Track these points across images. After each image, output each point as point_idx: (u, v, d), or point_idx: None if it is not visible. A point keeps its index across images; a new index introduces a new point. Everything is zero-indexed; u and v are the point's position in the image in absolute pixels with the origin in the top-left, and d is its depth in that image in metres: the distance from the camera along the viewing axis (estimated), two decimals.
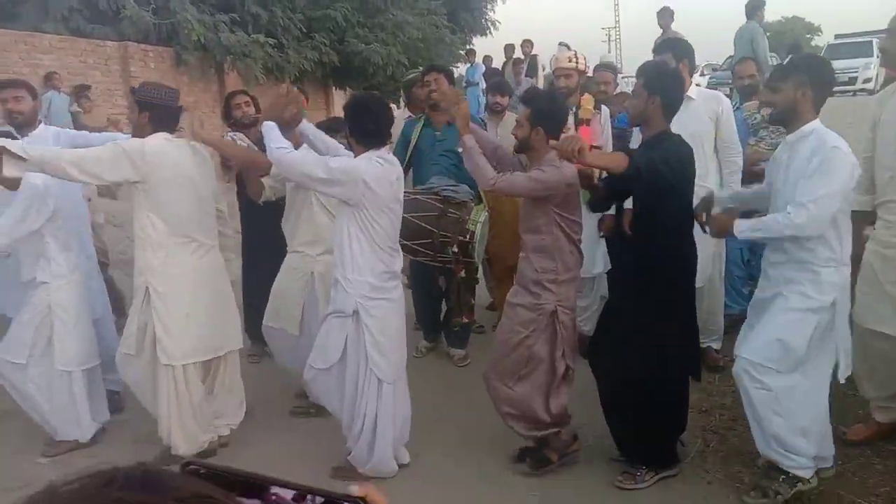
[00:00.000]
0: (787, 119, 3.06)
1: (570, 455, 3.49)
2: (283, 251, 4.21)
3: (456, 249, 4.08)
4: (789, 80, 3.01)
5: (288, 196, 4.02)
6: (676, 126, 3.94)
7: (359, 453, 3.39)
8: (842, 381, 3.11)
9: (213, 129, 14.56)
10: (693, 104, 4.21)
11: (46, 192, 3.68)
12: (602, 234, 4.61)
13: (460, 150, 3.42)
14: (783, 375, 2.99)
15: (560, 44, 10.73)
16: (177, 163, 3.52)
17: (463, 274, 4.40)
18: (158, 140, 3.49)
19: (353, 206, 3.17)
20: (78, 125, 10.62)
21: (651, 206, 3.13)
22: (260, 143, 4.92)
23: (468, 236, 4.10)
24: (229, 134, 4.97)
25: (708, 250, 3.88)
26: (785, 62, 3.21)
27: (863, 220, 3.46)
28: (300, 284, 3.97)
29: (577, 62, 4.67)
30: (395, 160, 3.41)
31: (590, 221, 4.67)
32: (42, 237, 3.70)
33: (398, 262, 3.39)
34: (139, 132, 3.56)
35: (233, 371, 3.91)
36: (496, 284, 5.62)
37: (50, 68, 10.60)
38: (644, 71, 3.36)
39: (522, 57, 13.03)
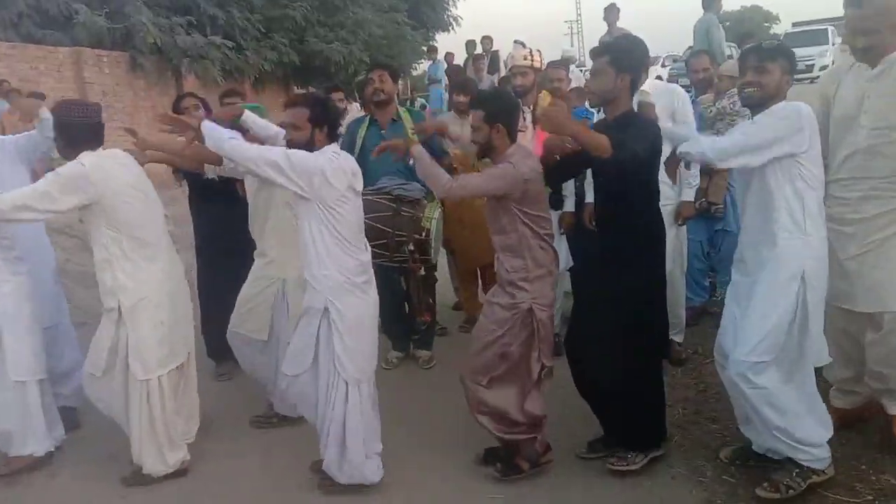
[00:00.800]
0: (765, 103, 3.01)
1: (542, 465, 3.43)
2: (240, 255, 4.14)
3: (412, 248, 4.05)
4: (777, 63, 2.98)
5: (251, 201, 3.94)
6: None
7: (330, 461, 3.32)
8: (821, 364, 3.15)
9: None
10: (648, 98, 4.21)
11: None
12: (563, 231, 4.64)
13: (411, 162, 3.40)
14: (777, 370, 2.97)
15: (515, 41, 10.72)
16: (118, 174, 3.47)
17: (422, 272, 4.36)
18: (93, 157, 3.43)
19: (311, 202, 3.12)
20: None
21: (623, 187, 3.16)
22: None
23: (424, 234, 4.08)
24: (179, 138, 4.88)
25: (668, 244, 3.88)
26: (764, 45, 3.12)
27: None
28: (271, 290, 3.90)
29: (532, 60, 4.65)
30: (348, 154, 3.39)
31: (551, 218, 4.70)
32: None
33: (366, 254, 3.34)
34: (66, 154, 3.47)
35: (191, 375, 3.81)
36: (461, 285, 5.61)
37: (0, 77, 10.33)
38: (610, 48, 3.32)
39: (483, 53, 13.00)
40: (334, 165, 3.17)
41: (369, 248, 3.39)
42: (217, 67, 14.22)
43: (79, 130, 3.47)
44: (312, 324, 3.24)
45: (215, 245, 4.62)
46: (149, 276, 3.50)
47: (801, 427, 3.01)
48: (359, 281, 3.25)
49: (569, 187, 4.62)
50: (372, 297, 3.34)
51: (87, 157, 3.40)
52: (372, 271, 3.38)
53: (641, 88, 3.49)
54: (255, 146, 3.24)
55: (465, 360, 3.40)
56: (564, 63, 6.78)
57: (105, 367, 3.52)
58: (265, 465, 3.73)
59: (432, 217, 4.11)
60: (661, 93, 4.29)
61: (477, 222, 4.96)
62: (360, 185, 3.33)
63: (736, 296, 3.20)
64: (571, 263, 4.82)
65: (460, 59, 13.91)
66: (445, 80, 12.79)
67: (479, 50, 13.31)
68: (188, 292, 3.80)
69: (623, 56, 3.22)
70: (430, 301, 4.70)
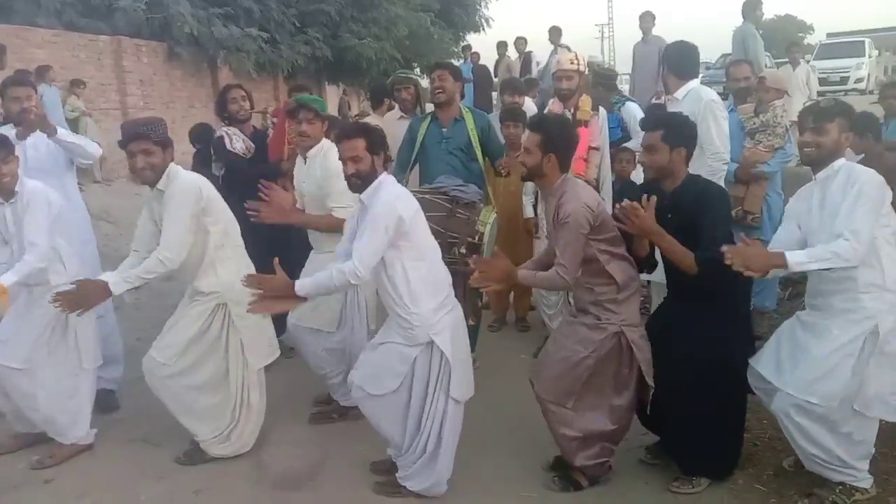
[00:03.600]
0: (824, 161, 3.04)
1: (602, 481, 3.40)
2: (276, 244, 4.15)
3: (464, 250, 4.04)
4: (835, 123, 3.01)
5: (314, 196, 3.99)
6: None
7: (416, 472, 3.30)
8: (886, 417, 3.05)
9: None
10: (677, 105, 4.26)
11: (51, 195, 3.69)
12: None
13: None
14: (822, 418, 2.96)
15: (561, 46, 10.79)
16: (203, 181, 3.65)
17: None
18: (183, 170, 3.63)
19: (394, 248, 3.10)
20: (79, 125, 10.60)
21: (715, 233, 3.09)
22: (253, 138, 4.94)
23: (477, 237, 4.06)
24: (223, 129, 4.94)
25: None
26: (822, 104, 3.20)
27: None
28: None
29: (578, 64, 4.68)
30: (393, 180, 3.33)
31: None
32: (52, 239, 3.67)
33: (447, 269, 3.34)
34: (159, 174, 3.54)
35: (257, 377, 3.89)
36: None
37: (43, 62, 10.52)
38: (660, 123, 3.27)
39: (518, 54, 13.02)
40: (400, 193, 3.15)
41: (448, 272, 3.35)
42: (251, 60, 14.37)
43: (170, 145, 3.60)
44: (407, 353, 3.18)
45: (251, 234, 4.68)
46: (247, 270, 3.60)
47: (844, 461, 3.01)
48: (447, 296, 3.24)
49: (606, 190, 4.67)
50: (457, 311, 3.29)
51: (178, 170, 3.58)
52: (450, 281, 3.34)
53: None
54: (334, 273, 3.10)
55: (543, 384, 3.32)
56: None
57: (176, 357, 3.61)
58: (319, 455, 3.80)
59: (487, 222, 4.09)
60: (690, 100, 4.27)
61: (509, 221, 5.04)
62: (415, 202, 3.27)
63: (800, 331, 3.17)
64: None
65: (487, 59, 13.92)
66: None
67: (510, 51, 13.33)
68: None
69: (676, 132, 3.18)
70: (478, 304, 4.69)
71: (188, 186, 3.51)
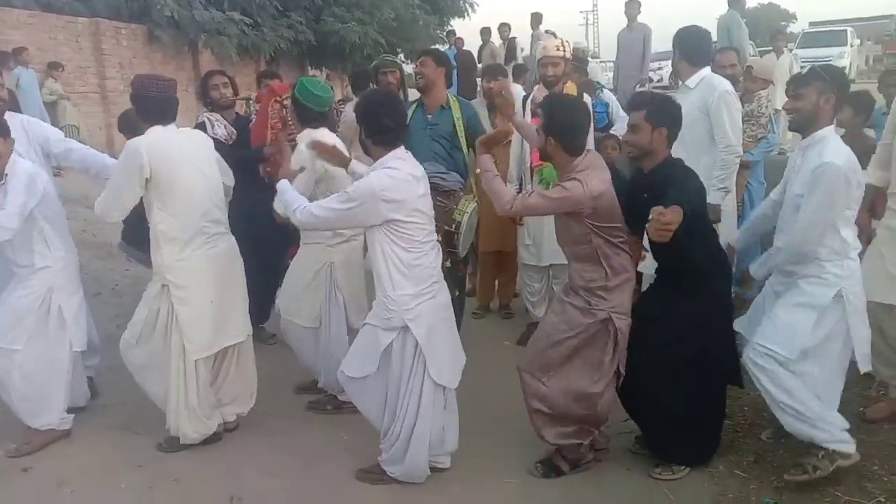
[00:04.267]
0: (806, 125, 3.17)
1: (583, 467, 3.41)
2: (266, 230, 4.18)
3: (440, 238, 4.04)
4: (812, 87, 3.12)
5: (301, 191, 3.94)
6: None
7: (392, 456, 3.31)
8: (862, 371, 3.23)
9: (187, 108, 14.34)
10: (689, 94, 4.16)
11: (37, 175, 3.62)
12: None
13: (478, 171, 3.31)
14: (788, 365, 3.10)
15: (546, 31, 10.77)
16: (179, 154, 3.49)
17: (448, 264, 4.37)
18: (155, 134, 3.47)
19: (381, 225, 3.07)
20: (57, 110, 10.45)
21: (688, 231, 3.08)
22: (236, 124, 4.88)
23: (454, 226, 4.05)
24: (205, 115, 4.89)
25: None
26: (801, 72, 3.36)
27: (881, 196, 3.65)
28: (320, 277, 3.90)
29: (564, 50, 4.65)
30: (411, 157, 3.24)
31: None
32: (36, 221, 3.64)
33: (438, 257, 3.28)
34: (139, 129, 3.50)
35: (245, 359, 3.89)
36: (481, 271, 5.63)
37: (19, 44, 10.34)
38: (644, 102, 3.25)
39: (502, 40, 12.97)
40: (392, 183, 3.03)
41: (440, 251, 3.33)
42: (233, 44, 14.20)
43: (152, 105, 3.50)
44: (384, 336, 3.17)
45: (235, 220, 4.63)
46: (196, 261, 3.55)
47: (810, 407, 3.10)
48: (431, 286, 3.19)
49: None
50: (443, 297, 3.27)
51: (150, 132, 3.46)
52: (441, 276, 3.30)
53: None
54: (315, 205, 3.19)
55: (528, 355, 3.36)
56: (578, 58, 6.82)
57: (139, 335, 3.60)
58: (303, 443, 3.79)
59: (465, 211, 4.07)
60: (702, 88, 4.15)
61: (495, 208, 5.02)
62: (426, 188, 3.23)
63: (772, 292, 3.37)
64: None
65: (473, 44, 13.84)
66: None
67: (493, 37, 13.26)
68: (242, 280, 3.82)
69: (658, 110, 3.19)
70: (456, 293, 4.68)
71: (140, 146, 3.41)
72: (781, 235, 3.30)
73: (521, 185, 4.81)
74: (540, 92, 4.79)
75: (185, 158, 3.51)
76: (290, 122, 4.69)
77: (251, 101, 5.88)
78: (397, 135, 3.17)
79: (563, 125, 3.12)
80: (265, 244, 4.54)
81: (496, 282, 5.64)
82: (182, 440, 3.67)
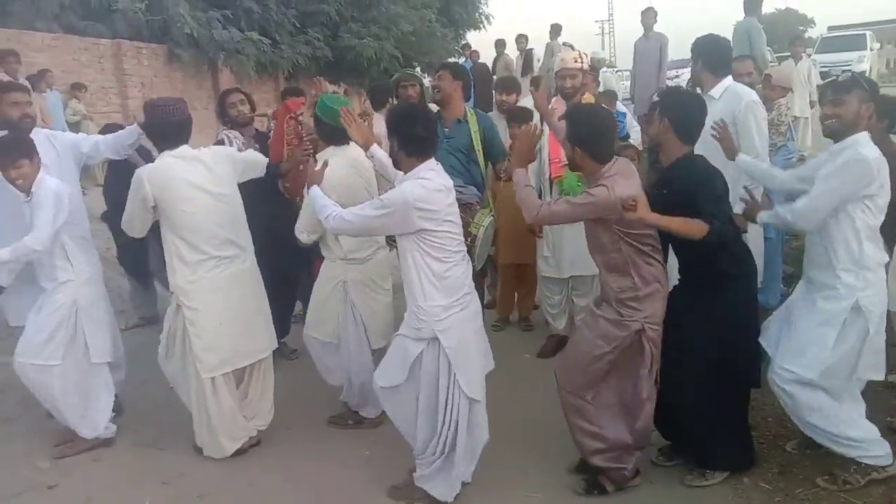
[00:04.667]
0: (843, 132, 3.14)
1: (627, 488, 3.33)
2: (279, 243, 4.22)
3: None
4: (854, 94, 3.10)
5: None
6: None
7: (431, 472, 3.27)
8: (873, 378, 3.23)
9: (207, 126, 14.52)
10: (714, 104, 4.03)
11: (63, 191, 3.71)
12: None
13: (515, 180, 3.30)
14: (813, 384, 3.09)
15: (564, 44, 10.81)
16: (184, 179, 3.54)
17: None
18: (163, 160, 3.56)
19: (413, 234, 3.07)
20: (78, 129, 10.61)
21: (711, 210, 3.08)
22: (256, 140, 4.93)
23: (469, 239, 4.05)
24: (224, 132, 4.93)
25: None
26: (839, 79, 3.31)
27: None
28: (337, 294, 3.90)
29: (582, 62, 4.65)
30: (441, 168, 3.23)
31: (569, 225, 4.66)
32: (59, 236, 3.72)
33: (469, 268, 3.28)
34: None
35: (266, 375, 3.95)
36: (501, 283, 5.63)
37: (43, 67, 10.53)
38: (660, 95, 3.34)
39: (519, 52, 13.02)
40: (424, 193, 3.03)
41: (470, 264, 3.32)
42: (252, 62, 14.37)
43: (168, 130, 3.58)
44: (414, 346, 3.15)
45: (254, 236, 4.67)
46: (207, 283, 3.61)
47: (837, 424, 3.10)
48: (461, 298, 3.17)
49: None
50: (474, 308, 3.25)
51: (159, 159, 3.57)
52: (472, 287, 3.29)
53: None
54: (348, 213, 3.20)
55: (564, 374, 3.31)
56: (593, 68, 6.81)
57: (165, 350, 3.76)
58: (325, 457, 3.81)
59: (481, 224, 4.07)
60: (728, 97, 4.09)
61: (513, 221, 5.02)
62: (454, 199, 3.21)
63: (795, 306, 3.33)
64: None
65: (488, 57, 13.91)
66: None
67: (508, 49, 13.32)
68: (261, 300, 3.86)
69: (664, 102, 3.22)
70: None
71: (144, 173, 3.53)
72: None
73: (540, 196, 4.80)
74: (558, 104, 4.79)
75: (186, 184, 3.54)
76: (305, 139, 4.74)
77: (270, 120, 5.95)
78: (429, 145, 3.17)
79: (589, 133, 3.12)
80: (283, 258, 4.57)
81: (515, 294, 5.63)
82: (206, 453, 3.77)
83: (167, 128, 3.58)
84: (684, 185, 3.09)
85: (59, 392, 3.76)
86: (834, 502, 3.10)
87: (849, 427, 3.12)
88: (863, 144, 3.07)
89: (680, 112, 3.18)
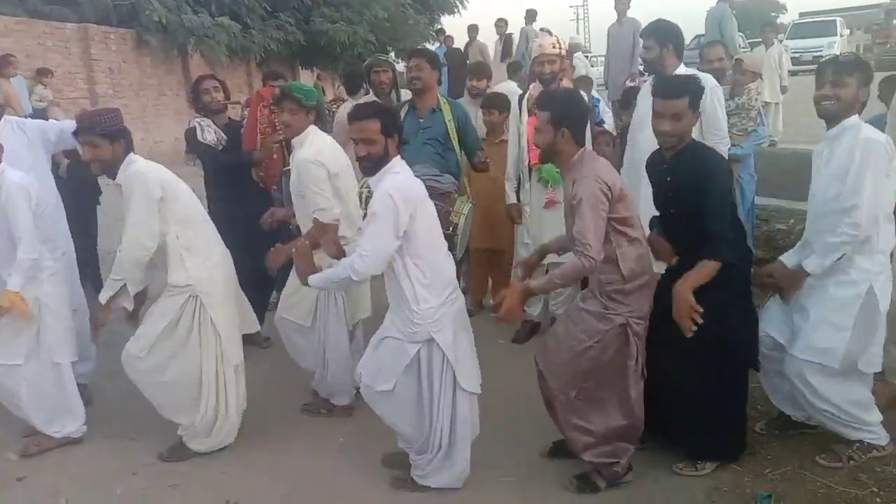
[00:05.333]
0: (840, 114, 3.11)
1: (621, 485, 3.29)
2: (255, 234, 4.19)
3: None
4: (854, 77, 3.08)
5: (295, 203, 3.90)
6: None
7: (432, 469, 3.26)
8: (869, 371, 3.21)
9: (177, 112, 14.32)
10: None
11: (29, 185, 3.61)
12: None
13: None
14: (834, 374, 3.11)
15: (542, 29, 10.77)
16: (165, 173, 3.57)
17: None
18: (142, 160, 3.53)
19: (400, 238, 2.97)
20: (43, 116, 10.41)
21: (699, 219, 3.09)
22: (228, 128, 4.87)
23: (451, 228, 4.03)
24: (196, 120, 4.88)
25: None
26: (840, 58, 3.29)
27: None
28: None
29: (560, 47, 4.64)
30: (405, 164, 3.18)
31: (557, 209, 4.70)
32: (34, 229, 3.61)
33: (452, 264, 3.24)
34: (110, 166, 3.48)
35: (233, 371, 3.84)
36: (470, 268, 5.63)
37: (7, 51, 10.29)
38: (685, 89, 3.16)
39: (498, 37, 12.98)
40: (401, 182, 2.99)
41: (450, 256, 3.29)
42: (223, 47, 14.16)
43: (126, 134, 3.52)
44: (407, 349, 3.10)
45: (229, 225, 4.63)
46: (217, 269, 3.62)
47: (851, 411, 3.16)
48: (450, 291, 3.14)
49: None
50: (460, 303, 3.22)
51: (140, 162, 3.51)
52: (456, 283, 3.25)
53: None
54: (358, 255, 2.98)
55: (549, 368, 3.25)
56: (570, 53, 6.81)
57: (151, 350, 3.56)
58: (299, 446, 3.80)
59: (462, 213, 4.06)
60: None
61: (489, 208, 5.03)
62: (423, 192, 3.15)
63: (802, 293, 3.27)
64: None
65: (463, 42, 13.82)
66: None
67: (480, 35, 13.24)
68: (235, 275, 3.83)
69: (697, 94, 3.14)
70: None
71: (142, 177, 3.43)
72: (811, 241, 3.25)
73: (519, 183, 4.80)
74: (536, 90, 4.78)
75: (170, 173, 3.57)
76: (278, 127, 4.69)
77: (243, 107, 5.89)
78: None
79: (575, 115, 3.11)
80: (256, 247, 4.52)
81: (489, 279, 5.64)
82: (196, 448, 3.67)
83: (126, 133, 3.54)
84: (689, 176, 3.06)
85: (25, 392, 3.66)
86: (801, 482, 3.15)
87: (863, 411, 3.17)
88: (865, 128, 3.07)
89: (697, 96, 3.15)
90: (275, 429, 3.95)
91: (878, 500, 3.01)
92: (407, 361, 3.11)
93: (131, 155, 3.51)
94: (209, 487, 3.44)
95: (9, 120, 4.07)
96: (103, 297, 3.52)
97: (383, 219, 2.93)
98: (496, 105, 5.20)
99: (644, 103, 4.15)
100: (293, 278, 3.95)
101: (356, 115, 3.08)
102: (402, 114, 4.59)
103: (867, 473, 3.17)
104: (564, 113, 3.08)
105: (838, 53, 19.80)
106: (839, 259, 3.09)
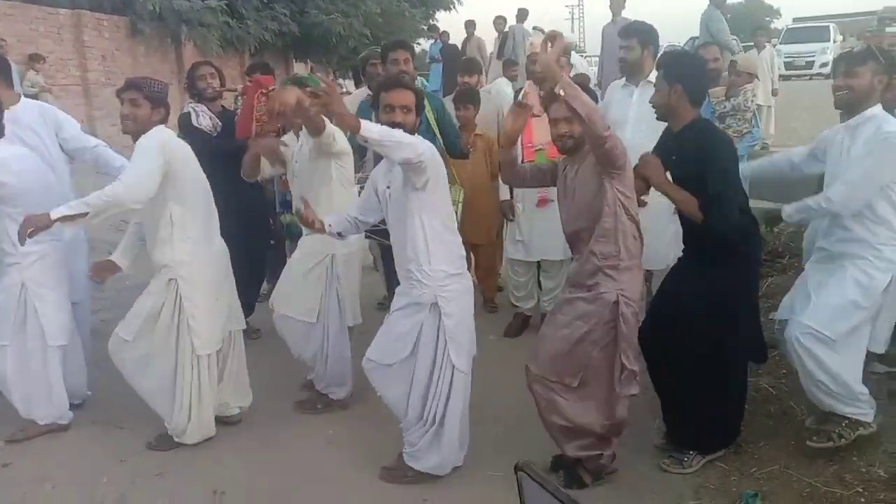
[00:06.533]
0: (856, 104, 3.20)
1: (606, 477, 3.28)
2: (248, 220, 4.22)
3: None
4: (867, 66, 3.15)
5: (304, 175, 3.83)
6: (639, 115, 3.98)
7: (420, 448, 3.26)
8: (878, 352, 3.35)
9: (170, 101, 14.24)
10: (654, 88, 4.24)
11: (10, 159, 3.55)
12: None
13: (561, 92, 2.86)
14: (832, 345, 3.14)
15: (534, 28, 10.79)
16: (183, 150, 3.56)
17: None
18: (167, 131, 3.54)
19: (421, 190, 3.00)
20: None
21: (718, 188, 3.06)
22: (221, 117, 4.85)
23: None
24: (190, 105, 4.86)
25: (667, 233, 3.93)
26: (854, 50, 3.36)
27: None
28: (319, 270, 3.84)
29: None
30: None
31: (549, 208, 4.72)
32: (0, 219, 3.57)
33: (460, 240, 3.27)
34: (141, 127, 3.46)
35: (240, 352, 3.87)
36: None
37: None
38: (660, 62, 3.30)
39: (497, 34, 12.98)
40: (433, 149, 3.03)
41: (458, 235, 3.28)
42: (216, 36, 14.09)
43: (166, 106, 3.55)
44: (415, 317, 3.13)
45: (218, 212, 4.62)
46: (205, 256, 3.60)
47: (847, 385, 3.18)
48: (461, 270, 3.18)
49: None
50: (466, 282, 3.23)
51: (163, 130, 3.50)
52: (464, 254, 3.27)
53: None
54: (398, 132, 2.95)
55: (538, 363, 3.17)
56: (567, 51, 6.80)
57: (138, 333, 3.55)
58: (287, 437, 3.79)
59: (458, 201, 4.07)
60: None
61: (473, 198, 4.99)
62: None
63: (818, 271, 3.37)
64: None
65: (458, 38, 13.83)
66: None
67: (477, 31, 13.25)
68: (231, 274, 3.82)
69: (673, 66, 3.16)
70: None
71: (161, 140, 3.44)
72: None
73: None
74: (531, 88, 4.79)
75: (190, 154, 3.56)
76: (276, 115, 4.66)
77: (238, 96, 5.83)
78: None
79: (690, 72, 3.13)
80: (250, 237, 4.52)
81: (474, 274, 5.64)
82: (181, 440, 3.65)
83: (166, 105, 3.57)
84: (695, 152, 3.06)
85: (10, 373, 3.64)
86: (787, 481, 3.17)
87: (856, 383, 3.21)
88: (884, 120, 3.13)
89: (691, 76, 3.15)
90: (264, 419, 3.94)
91: (862, 500, 3.02)
92: (415, 332, 3.12)
93: (162, 126, 3.52)
94: (196, 477, 3.44)
95: (33, 104, 4.14)
96: (58, 211, 3.28)
97: (423, 142, 2.97)
98: (470, 100, 5.17)
99: (619, 105, 4.21)
100: (294, 267, 3.94)
101: (392, 83, 3.19)
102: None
103: (852, 474, 3.18)
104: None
105: (831, 60, 20.02)
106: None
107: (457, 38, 13.77)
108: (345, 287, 3.87)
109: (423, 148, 2.94)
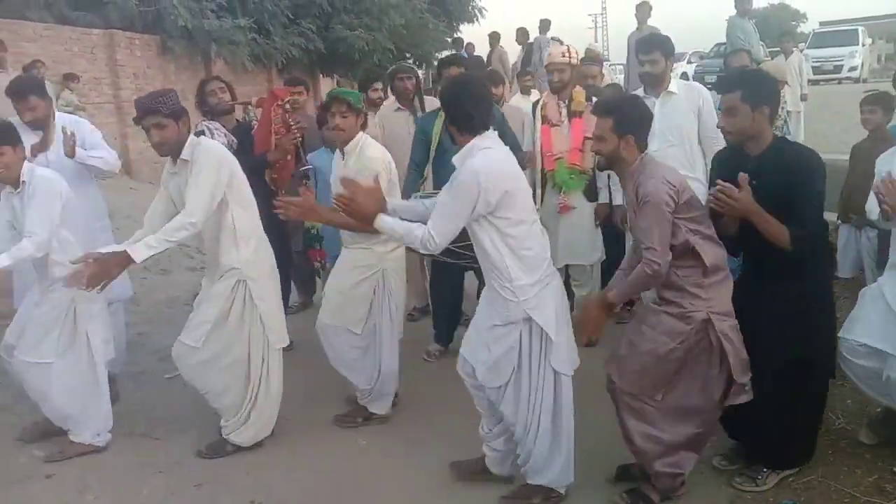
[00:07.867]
0: None
1: (674, 497, 3.18)
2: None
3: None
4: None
5: (337, 187, 3.78)
6: (660, 121, 3.99)
7: (536, 462, 3.14)
8: None
9: (200, 118, 14.45)
10: (675, 98, 4.32)
11: (60, 184, 3.64)
12: (598, 223, 4.73)
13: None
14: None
15: (552, 38, 10.84)
16: (230, 154, 3.68)
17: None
18: (210, 141, 3.68)
19: (481, 219, 2.91)
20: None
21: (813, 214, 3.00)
22: (236, 131, 4.83)
23: None
24: (204, 124, 4.77)
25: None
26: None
27: None
28: (369, 283, 3.82)
29: (570, 56, 4.68)
30: (497, 138, 3.04)
31: (587, 209, 4.75)
32: (57, 233, 3.61)
33: (546, 243, 3.12)
34: (177, 146, 3.49)
35: (277, 356, 3.84)
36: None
37: (35, 57, 10.46)
38: (737, 83, 3.09)
39: (520, 46, 13.03)
40: (488, 163, 2.87)
41: (546, 236, 3.18)
42: (245, 52, 14.31)
43: (185, 114, 3.56)
44: (511, 335, 3.00)
45: None
46: (266, 256, 3.73)
47: None
48: (547, 273, 3.05)
49: (602, 179, 4.68)
50: (557, 281, 3.13)
51: (205, 139, 3.63)
52: (551, 260, 3.15)
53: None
54: (438, 214, 2.90)
55: (625, 374, 3.08)
56: (598, 60, 6.86)
57: (207, 338, 3.58)
58: (323, 448, 3.82)
59: None
60: (686, 91, 4.38)
61: None
62: (521, 175, 3.12)
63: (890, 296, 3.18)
64: (604, 257, 4.90)
65: (482, 51, 13.87)
66: None
67: (502, 42, 13.29)
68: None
69: (757, 90, 3.02)
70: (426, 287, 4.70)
71: (215, 152, 3.53)
72: None
73: (533, 190, 4.83)
74: (549, 98, 4.82)
75: (232, 156, 3.66)
76: (293, 127, 4.71)
77: (251, 107, 5.84)
78: (482, 121, 2.99)
79: (638, 120, 3.02)
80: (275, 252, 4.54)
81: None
82: (237, 437, 3.71)
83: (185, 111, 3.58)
84: (783, 175, 2.93)
85: (56, 391, 3.67)
86: (825, 491, 3.13)
87: None
88: None
89: (775, 95, 3.07)
90: (300, 430, 3.98)
91: None
92: (515, 348, 3.00)
93: (202, 137, 3.59)
94: (234, 488, 3.48)
95: (65, 117, 4.31)
96: (144, 254, 3.32)
97: (464, 195, 2.83)
98: None
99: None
100: (340, 278, 3.92)
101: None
102: (440, 124, 4.46)
103: (892, 484, 3.15)
104: (628, 119, 2.99)
105: (860, 63, 19.73)
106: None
107: (480, 50, 13.82)
108: (396, 299, 3.88)
109: (457, 220, 2.87)
